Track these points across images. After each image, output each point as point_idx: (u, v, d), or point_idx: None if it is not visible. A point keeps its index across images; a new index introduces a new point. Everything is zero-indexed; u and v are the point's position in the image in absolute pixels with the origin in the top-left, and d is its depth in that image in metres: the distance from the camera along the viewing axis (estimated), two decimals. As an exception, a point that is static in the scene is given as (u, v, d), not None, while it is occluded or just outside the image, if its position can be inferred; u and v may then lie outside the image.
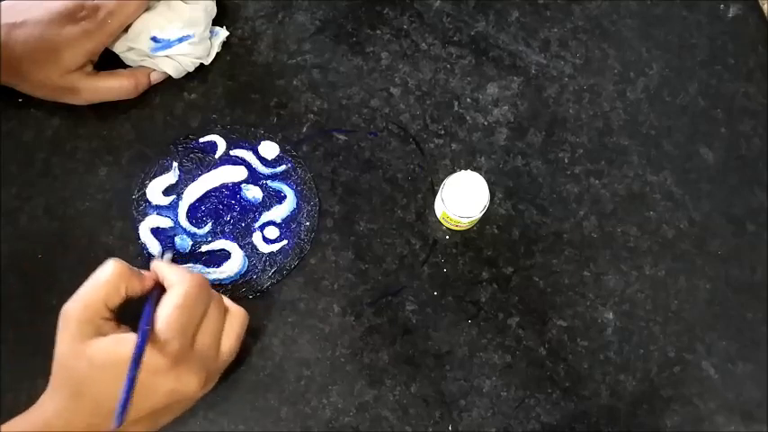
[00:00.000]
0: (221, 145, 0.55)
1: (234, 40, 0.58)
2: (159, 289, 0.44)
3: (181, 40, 0.53)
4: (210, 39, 0.56)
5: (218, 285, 0.51)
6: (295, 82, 0.57)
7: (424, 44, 0.59)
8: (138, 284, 0.44)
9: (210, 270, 0.52)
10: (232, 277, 0.52)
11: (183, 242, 0.52)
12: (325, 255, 0.53)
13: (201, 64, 0.56)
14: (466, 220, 0.51)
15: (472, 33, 0.59)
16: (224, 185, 0.54)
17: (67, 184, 0.53)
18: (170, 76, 0.55)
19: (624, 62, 0.59)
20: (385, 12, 0.59)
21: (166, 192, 0.53)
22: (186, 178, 0.54)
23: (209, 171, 0.54)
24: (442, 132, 0.56)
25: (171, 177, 0.54)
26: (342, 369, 0.51)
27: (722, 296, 0.54)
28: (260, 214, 0.53)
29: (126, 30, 0.53)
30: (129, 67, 0.55)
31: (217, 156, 0.54)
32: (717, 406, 0.51)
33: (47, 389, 0.42)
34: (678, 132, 0.57)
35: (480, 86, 0.58)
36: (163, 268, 0.45)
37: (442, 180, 0.51)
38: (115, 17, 0.51)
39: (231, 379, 0.50)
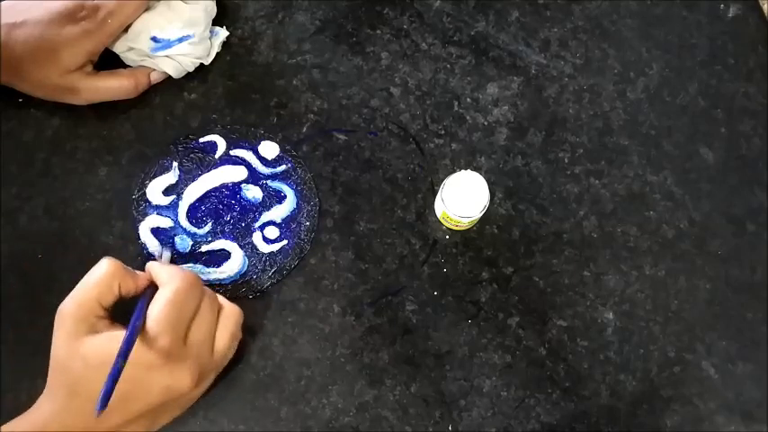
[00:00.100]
0: (221, 145, 0.55)
1: (234, 40, 0.58)
2: (153, 288, 0.44)
3: (181, 40, 0.53)
4: (210, 39, 0.56)
5: (219, 285, 0.51)
6: (295, 82, 0.57)
7: (424, 44, 0.59)
8: (131, 283, 0.44)
9: (210, 270, 0.52)
10: (232, 277, 0.52)
11: (183, 242, 0.52)
12: (325, 255, 0.53)
13: (201, 64, 0.56)
14: (466, 220, 0.51)
15: (472, 33, 0.59)
16: (224, 185, 0.54)
17: (67, 184, 0.53)
18: (170, 76, 0.55)
19: (624, 62, 0.59)
20: (385, 12, 0.59)
21: (166, 192, 0.53)
22: (186, 178, 0.54)
23: (209, 171, 0.54)
24: (442, 132, 0.56)
25: (171, 177, 0.54)
26: (342, 369, 0.51)
27: (722, 296, 0.54)
28: (260, 214, 0.53)
29: (126, 30, 0.53)
30: (129, 67, 0.55)
31: (217, 156, 0.54)
32: (717, 406, 0.51)
33: (45, 390, 0.42)
34: (678, 132, 0.57)
35: (480, 86, 0.58)
36: (155, 268, 0.45)
37: (442, 180, 0.51)
38: (115, 17, 0.51)
39: (231, 379, 0.50)
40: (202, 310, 0.44)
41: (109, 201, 0.53)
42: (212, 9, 0.56)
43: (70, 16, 0.49)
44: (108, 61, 0.53)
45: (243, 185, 0.54)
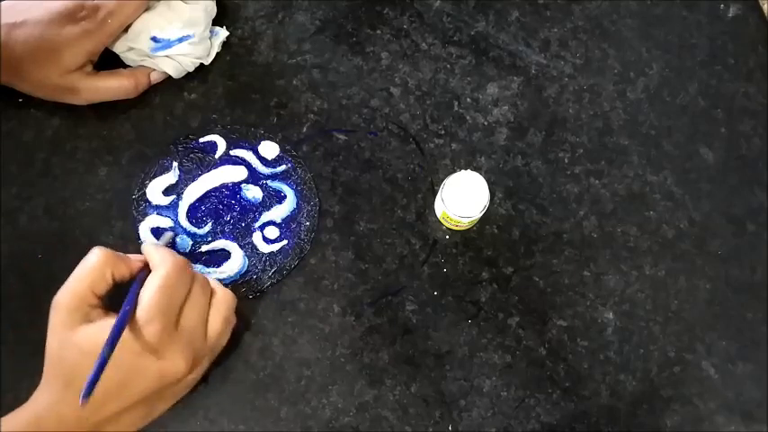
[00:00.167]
0: (221, 145, 0.55)
1: (234, 40, 0.58)
2: (147, 271, 0.44)
3: (181, 40, 0.53)
4: (210, 39, 0.56)
5: (218, 285, 0.51)
6: (295, 82, 0.57)
7: (424, 44, 0.59)
8: (125, 269, 0.44)
9: (210, 270, 0.52)
10: (232, 277, 0.52)
11: (183, 242, 0.52)
12: (325, 255, 0.53)
13: (201, 64, 0.56)
14: (466, 220, 0.51)
15: (472, 33, 0.59)
16: (224, 185, 0.54)
17: (67, 184, 0.53)
18: (170, 76, 0.55)
19: (624, 62, 0.59)
20: (385, 12, 0.59)
21: (166, 192, 0.53)
22: (186, 178, 0.54)
23: (209, 171, 0.54)
24: (442, 132, 0.56)
25: (171, 177, 0.54)
26: (342, 369, 0.51)
27: (722, 296, 0.54)
28: (260, 214, 0.53)
29: (126, 30, 0.53)
30: (129, 67, 0.55)
31: (217, 156, 0.54)
32: (717, 406, 0.51)
33: (41, 381, 0.42)
34: (678, 132, 0.57)
35: (480, 86, 0.58)
36: (148, 250, 0.45)
37: (442, 180, 0.51)
38: (115, 17, 0.51)
39: (231, 379, 0.50)
40: (194, 294, 0.44)
41: (109, 201, 0.53)
42: (212, 9, 0.56)
43: (70, 16, 0.49)
44: (108, 61, 0.53)
45: (243, 185, 0.54)
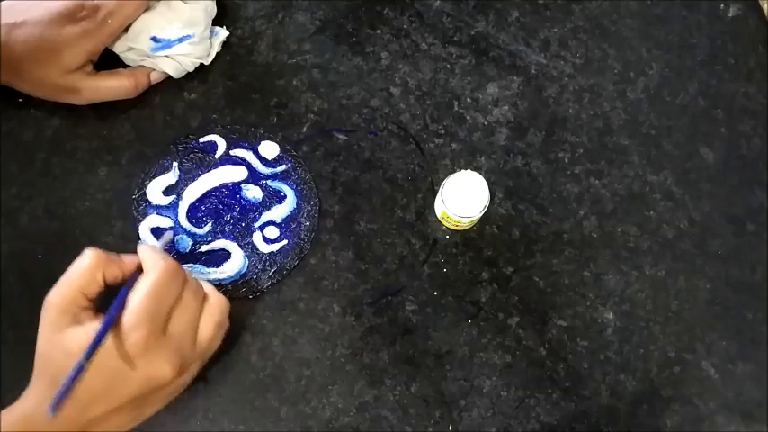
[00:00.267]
0: (221, 145, 0.55)
1: (234, 40, 0.58)
2: (139, 274, 0.44)
3: (181, 40, 0.53)
4: (210, 39, 0.56)
5: (219, 285, 0.51)
6: (295, 82, 0.57)
7: (424, 44, 0.59)
8: (117, 271, 0.44)
9: (210, 270, 0.52)
10: (232, 277, 0.52)
11: (183, 242, 0.52)
12: (325, 255, 0.53)
13: (201, 64, 0.56)
14: (466, 220, 0.51)
15: (472, 33, 0.59)
16: (224, 185, 0.54)
17: (67, 184, 0.53)
18: (170, 76, 0.55)
19: (624, 62, 0.59)
20: (385, 12, 0.59)
21: (166, 192, 0.53)
22: (186, 178, 0.54)
23: (209, 171, 0.54)
24: (442, 132, 0.56)
25: (171, 177, 0.54)
26: (342, 369, 0.51)
27: (722, 296, 0.54)
28: (260, 214, 0.53)
29: (126, 30, 0.53)
30: (129, 67, 0.55)
31: (217, 156, 0.54)
32: (717, 406, 0.51)
33: (30, 381, 0.42)
34: (678, 132, 0.57)
35: (480, 86, 0.58)
36: (142, 252, 0.45)
37: (442, 180, 0.51)
38: (115, 17, 0.51)
39: (231, 379, 0.50)
40: (184, 299, 0.44)
41: (109, 201, 0.53)
42: (212, 9, 0.56)
43: (70, 16, 0.49)
44: (108, 61, 0.53)
45: (243, 185, 0.54)
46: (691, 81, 0.59)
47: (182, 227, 0.53)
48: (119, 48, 0.53)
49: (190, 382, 0.46)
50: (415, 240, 0.54)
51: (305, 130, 0.56)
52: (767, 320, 0.53)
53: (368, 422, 0.50)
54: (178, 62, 0.54)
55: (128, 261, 0.45)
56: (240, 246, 0.52)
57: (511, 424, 0.50)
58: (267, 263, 0.52)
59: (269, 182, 0.54)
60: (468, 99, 0.57)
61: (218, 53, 0.57)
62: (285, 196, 0.54)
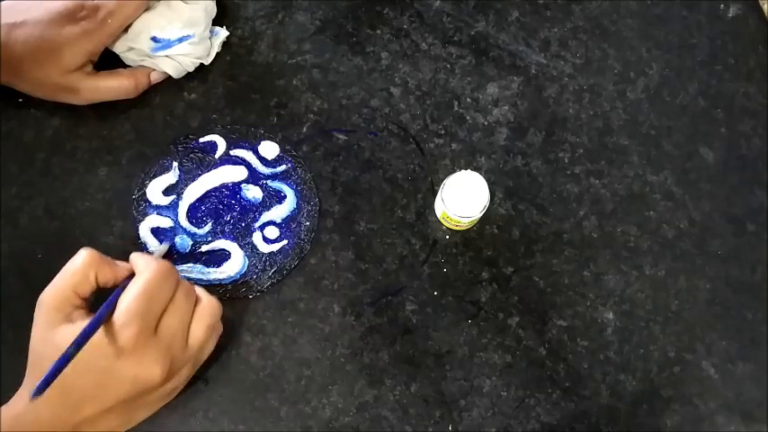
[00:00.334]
0: (221, 145, 0.55)
1: (234, 40, 0.58)
2: (132, 278, 0.44)
3: (181, 40, 0.53)
4: (210, 39, 0.56)
5: (219, 285, 0.51)
6: (295, 82, 0.57)
7: (424, 44, 0.59)
8: (109, 273, 0.44)
9: (210, 270, 0.52)
10: (232, 277, 0.52)
11: (183, 242, 0.52)
12: (325, 255, 0.53)
13: (201, 64, 0.56)
14: (466, 220, 0.51)
15: (472, 33, 0.59)
16: (224, 185, 0.54)
17: (67, 184, 0.53)
18: (170, 76, 0.55)
19: (624, 62, 0.59)
20: (385, 12, 0.59)
21: (166, 192, 0.53)
22: (186, 178, 0.54)
23: (209, 171, 0.54)
24: (442, 132, 0.56)
25: (171, 177, 0.54)
26: (342, 369, 0.51)
27: (722, 296, 0.54)
28: (260, 214, 0.53)
29: (126, 30, 0.53)
30: (129, 67, 0.55)
31: (217, 156, 0.54)
32: (717, 406, 0.51)
33: (24, 379, 0.42)
34: (678, 132, 0.57)
35: (480, 86, 0.58)
36: (135, 257, 0.45)
37: (442, 180, 0.51)
38: (115, 17, 0.51)
39: (231, 379, 0.50)
40: (177, 301, 0.43)
41: (109, 201, 0.53)
42: (212, 9, 0.56)
43: (70, 16, 0.49)
44: (108, 61, 0.53)
45: (243, 185, 0.54)
46: (691, 81, 0.59)
47: (182, 227, 0.53)
48: (119, 48, 0.53)
49: (181, 387, 0.46)
50: (415, 240, 0.54)
51: (305, 130, 0.56)
52: (767, 320, 0.53)
53: (368, 422, 0.50)
54: (178, 62, 0.54)
55: (121, 266, 0.45)
56: (240, 246, 0.52)
57: (511, 424, 0.50)
58: (267, 263, 0.52)
59: (269, 182, 0.54)
60: (468, 99, 0.57)
61: (218, 53, 0.57)
62: (285, 196, 0.54)
